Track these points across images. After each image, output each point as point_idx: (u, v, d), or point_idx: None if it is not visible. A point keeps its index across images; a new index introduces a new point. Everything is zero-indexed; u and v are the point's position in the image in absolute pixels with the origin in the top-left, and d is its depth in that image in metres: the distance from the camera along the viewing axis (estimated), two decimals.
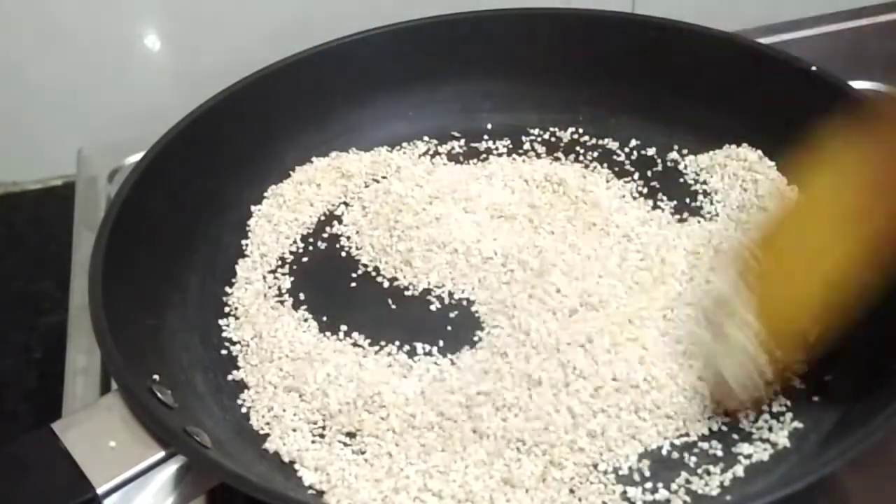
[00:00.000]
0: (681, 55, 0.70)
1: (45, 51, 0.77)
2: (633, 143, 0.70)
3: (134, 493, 0.47)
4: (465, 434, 0.52)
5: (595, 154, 0.70)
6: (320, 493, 0.50)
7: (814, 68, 0.65)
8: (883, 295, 0.49)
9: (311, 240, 0.66)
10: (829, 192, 0.51)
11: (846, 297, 0.48)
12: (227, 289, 0.63)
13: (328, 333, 0.59)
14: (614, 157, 0.70)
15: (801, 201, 0.55)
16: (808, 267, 0.50)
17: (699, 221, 0.64)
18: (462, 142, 0.72)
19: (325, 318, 0.60)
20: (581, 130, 0.72)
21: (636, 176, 0.68)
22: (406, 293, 0.62)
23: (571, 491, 0.49)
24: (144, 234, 0.60)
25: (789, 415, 0.53)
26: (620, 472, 0.50)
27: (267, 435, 0.54)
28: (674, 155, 0.69)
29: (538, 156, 0.71)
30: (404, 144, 0.72)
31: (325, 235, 0.66)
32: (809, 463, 0.50)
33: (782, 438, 0.52)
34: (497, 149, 0.71)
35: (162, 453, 0.47)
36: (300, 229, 0.66)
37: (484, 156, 0.71)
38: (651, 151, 0.70)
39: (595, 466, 0.50)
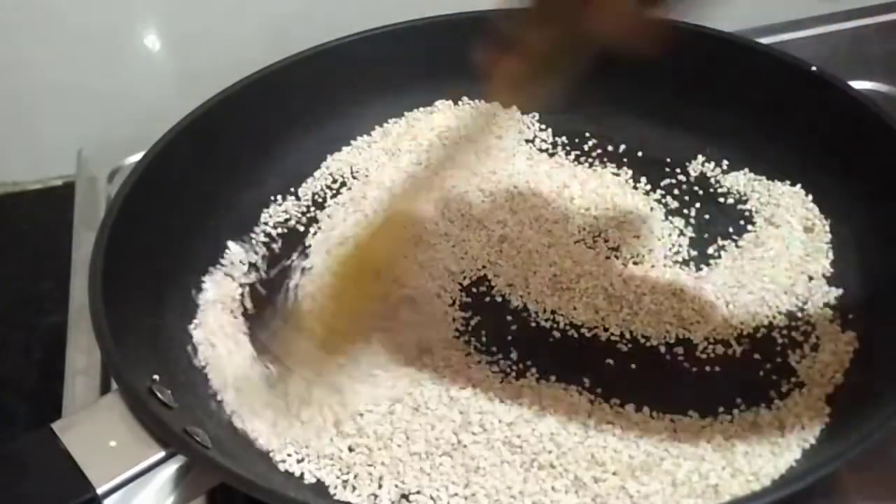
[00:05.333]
0: (680, 55, 0.70)
1: (45, 51, 0.77)
2: (632, 142, 0.71)
3: (134, 493, 0.47)
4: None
5: (596, 153, 0.70)
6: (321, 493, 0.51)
7: (814, 68, 0.65)
8: None
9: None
10: None
11: None
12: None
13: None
14: (614, 155, 0.70)
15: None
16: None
17: None
18: None
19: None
20: (581, 130, 0.72)
21: (632, 173, 0.69)
22: None
23: None
24: (144, 234, 0.59)
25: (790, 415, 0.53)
26: None
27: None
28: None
29: (541, 151, 0.71)
30: None
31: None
32: (809, 463, 0.50)
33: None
34: None
35: (162, 453, 0.47)
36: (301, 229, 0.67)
37: None
38: (647, 151, 0.70)
39: None
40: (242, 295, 0.62)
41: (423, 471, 0.51)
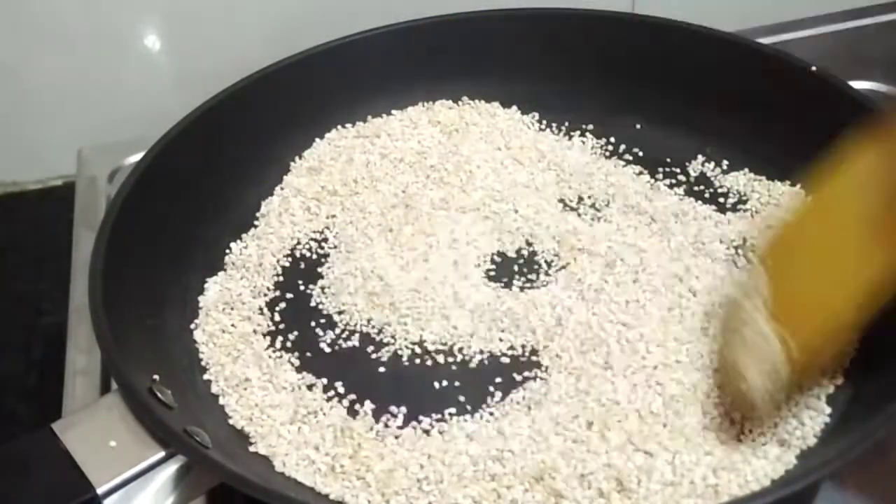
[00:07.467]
0: (680, 55, 0.70)
1: (45, 51, 0.77)
2: (632, 142, 0.70)
3: (134, 493, 0.47)
4: None
5: (596, 153, 0.70)
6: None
7: (814, 68, 0.65)
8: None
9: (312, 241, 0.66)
10: (843, 196, 0.51)
11: (865, 301, 0.49)
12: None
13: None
14: (614, 155, 0.70)
15: (815, 206, 0.54)
16: (824, 271, 0.50)
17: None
18: None
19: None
20: (581, 129, 0.72)
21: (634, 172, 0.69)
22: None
23: None
24: (144, 234, 0.60)
25: (789, 415, 0.53)
26: None
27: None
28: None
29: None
30: None
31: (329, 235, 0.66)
32: (809, 463, 0.50)
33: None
34: None
35: (162, 453, 0.47)
36: (302, 228, 0.67)
37: None
38: (647, 151, 0.70)
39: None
40: (244, 295, 0.62)
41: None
